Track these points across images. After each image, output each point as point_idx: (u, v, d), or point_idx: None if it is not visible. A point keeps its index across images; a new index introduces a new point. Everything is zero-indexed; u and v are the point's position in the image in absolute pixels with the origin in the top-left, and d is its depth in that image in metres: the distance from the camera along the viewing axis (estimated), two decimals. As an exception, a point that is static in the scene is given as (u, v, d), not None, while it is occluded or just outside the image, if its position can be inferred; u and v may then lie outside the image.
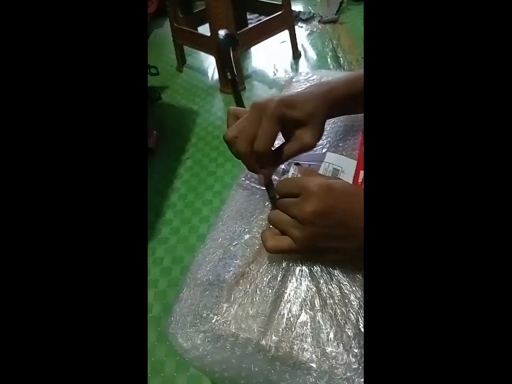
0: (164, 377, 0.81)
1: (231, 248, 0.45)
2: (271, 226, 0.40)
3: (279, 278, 0.41)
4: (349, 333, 0.35)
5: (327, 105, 0.42)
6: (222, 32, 0.45)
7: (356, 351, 0.34)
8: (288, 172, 0.47)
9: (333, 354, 0.35)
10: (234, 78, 0.45)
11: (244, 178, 0.53)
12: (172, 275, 1.02)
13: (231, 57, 0.46)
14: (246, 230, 0.46)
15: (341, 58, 1.88)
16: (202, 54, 1.99)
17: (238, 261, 0.43)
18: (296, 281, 0.40)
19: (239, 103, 0.47)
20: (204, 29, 1.83)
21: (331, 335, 0.36)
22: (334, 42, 2.04)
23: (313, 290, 0.39)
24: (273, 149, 0.41)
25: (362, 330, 0.35)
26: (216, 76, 1.87)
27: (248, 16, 2.15)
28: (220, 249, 0.46)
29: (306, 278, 0.40)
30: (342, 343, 0.35)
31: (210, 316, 0.40)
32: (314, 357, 0.35)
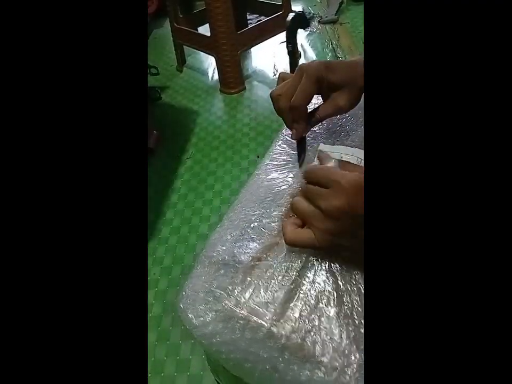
0: (164, 377, 0.81)
1: (249, 230, 0.45)
2: (290, 215, 0.39)
3: (297, 269, 0.40)
4: (363, 333, 0.34)
5: None
6: (292, 14, 0.52)
7: None
8: (313, 160, 0.48)
9: (345, 352, 0.34)
10: (293, 49, 0.54)
11: (266, 165, 0.53)
12: (172, 275, 1.02)
13: (296, 34, 0.54)
14: (265, 214, 0.46)
15: (340, 59, 1.88)
16: (202, 54, 1.99)
17: (255, 244, 0.43)
18: (314, 274, 0.39)
19: (292, 71, 0.52)
20: (204, 29, 1.83)
21: (345, 333, 0.35)
22: (334, 43, 2.04)
23: (330, 285, 0.38)
24: (310, 109, 0.46)
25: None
26: (216, 76, 1.87)
27: (248, 17, 2.15)
28: (236, 230, 0.45)
29: (325, 272, 0.39)
30: (355, 342, 0.34)
31: (223, 295, 0.39)
32: (325, 352, 0.35)
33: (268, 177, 0.51)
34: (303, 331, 0.36)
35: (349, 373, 0.33)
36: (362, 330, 0.35)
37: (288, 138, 0.55)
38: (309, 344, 0.35)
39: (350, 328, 0.35)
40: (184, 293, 0.42)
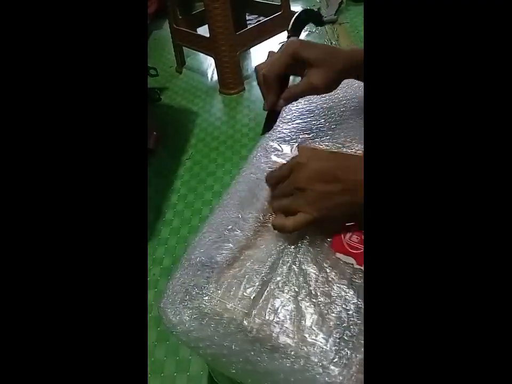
0: (164, 377, 0.81)
1: (225, 232, 0.48)
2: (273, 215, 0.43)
3: (268, 265, 0.43)
4: (330, 323, 0.37)
5: (347, 59, 0.46)
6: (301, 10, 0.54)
7: (334, 340, 0.36)
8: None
9: (311, 341, 0.36)
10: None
11: (247, 171, 0.56)
12: (171, 275, 1.02)
13: (301, 31, 0.55)
14: (242, 217, 0.49)
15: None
16: (202, 55, 1.99)
17: (231, 244, 0.46)
18: (285, 270, 0.42)
19: None
20: (203, 30, 1.83)
21: (312, 323, 0.38)
22: (333, 43, 2.04)
23: (300, 279, 0.41)
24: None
25: (344, 320, 0.37)
26: (215, 77, 1.87)
27: (248, 17, 2.14)
28: (214, 233, 0.48)
29: (296, 268, 0.42)
30: (322, 332, 0.37)
31: (199, 294, 0.42)
32: (292, 342, 0.37)
33: (247, 182, 0.54)
34: (273, 323, 0.39)
35: (315, 360, 0.35)
36: (328, 321, 0.37)
37: (269, 145, 0.58)
38: (277, 335, 0.38)
39: (317, 318, 0.38)
40: (164, 294, 0.45)
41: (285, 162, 0.48)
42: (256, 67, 0.49)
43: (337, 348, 0.35)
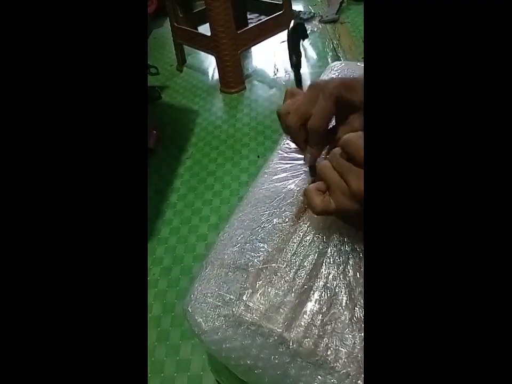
0: (164, 377, 0.81)
1: (259, 231, 0.43)
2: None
3: (308, 271, 0.38)
4: (364, 336, 0.33)
5: None
6: (292, 23, 0.50)
7: None
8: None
9: (359, 358, 0.33)
10: (299, 63, 0.50)
11: (273, 164, 0.52)
12: (171, 275, 1.02)
13: (300, 45, 0.50)
14: (276, 213, 0.44)
15: (341, 58, 1.87)
16: (202, 53, 1.99)
17: (265, 245, 0.42)
18: (327, 277, 0.38)
19: (298, 85, 0.48)
20: (204, 29, 1.82)
21: (359, 338, 0.34)
22: (335, 42, 2.03)
23: (343, 288, 0.37)
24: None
25: None
26: (216, 76, 1.87)
27: (248, 16, 2.14)
28: (247, 231, 0.44)
29: (338, 275, 0.38)
30: None
31: (233, 300, 0.39)
32: (338, 357, 0.34)
33: (276, 176, 0.50)
34: (316, 336, 0.35)
35: (363, 379, 0.32)
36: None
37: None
38: (322, 349, 0.34)
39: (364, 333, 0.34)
40: (192, 296, 0.41)
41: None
42: (279, 112, 0.42)
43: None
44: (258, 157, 1.37)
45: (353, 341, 0.34)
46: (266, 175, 0.51)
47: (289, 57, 0.48)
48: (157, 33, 2.42)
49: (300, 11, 2.39)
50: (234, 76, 1.73)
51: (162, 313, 0.92)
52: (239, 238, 0.44)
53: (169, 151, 1.46)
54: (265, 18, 1.78)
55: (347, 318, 0.35)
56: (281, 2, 1.80)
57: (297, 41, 0.50)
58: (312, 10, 2.40)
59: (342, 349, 0.34)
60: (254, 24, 1.78)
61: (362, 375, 0.32)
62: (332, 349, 0.34)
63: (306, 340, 0.35)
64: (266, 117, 1.57)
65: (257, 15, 2.11)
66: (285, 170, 0.50)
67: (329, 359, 0.34)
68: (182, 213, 1.21)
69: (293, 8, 1.87)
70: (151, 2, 2.32)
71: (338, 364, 0.33)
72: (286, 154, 0.53)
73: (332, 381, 0.33)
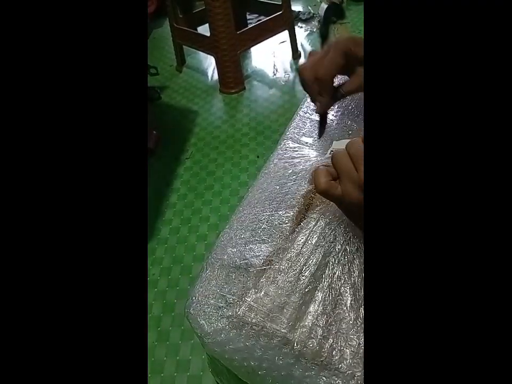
0: (164, 377, 0.81)
1: (259, 231, 0.43)
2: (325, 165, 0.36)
3: (311, 271, 0.38)
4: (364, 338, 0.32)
5: None
6: (326, 5, 0.57)
7: None
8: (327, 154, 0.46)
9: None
10: (327, 35, 0.57)
11: (273, 165, 0.52)
12: (171, 275, 1.02)
13: (330, 22, 0.58)
14: (275, 214, 0.44)
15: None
16: (202, 54, 1.99)
17: (266, 246, 0.41)
18: (331, 277, 0.37)
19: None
20: (204, 29, 1.82)
21: (364, 339, 0.32)
22: (334, 42, 2.03)
23: (348, 289, 0.37)
24: (336, 83, 0.47)
25: None
26: (215, 76, 1.87)
27: (248, 16, 2.14)
28: (247, 232, 0.44)
29: (341, 275, 0.37)
30: None
31: (235, 301, 0.38)
32: (343, 358, 0.33)
33: (276, 177, 0.50)
34: (320, 337, 0.35)
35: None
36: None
37: (295, 136, 0.55)
38: (326, 350, 0.34)
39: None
40: (193, 298, 0.40)
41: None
42: (299, 68, 0.48)
43: None
44: (258, 157, 1.37)
45: (358, 342, 0.34)
46: (265, 176, 0.51)
47: (320, 28, 0.55)
48: (156, 34, 2.42)
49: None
50: (234, 76, 1.73)
51: (162, 313, 0.92)
52: (239, 239, 0.43)
53: (169, 151, 1.46)
54: (265, 19, 1.78)
55: (352, 319, 0.35)
56: (280, 3, 1.80)
57: (328, 18, 0.56)
58: (312, 11, 2.40)
59: (347, 350, 0.34)
60: (254, 24, 1.78)
61: None
62: (336, 349, 0.34)
63: (310, 340, 0.35)
64: (266, 117, 1.57)
65: (257, 15, 2.11)
66: (285, 171, 0.50)
67: (334, 360, 0.34)
68: (182, 213, 1.21)
69: (292, 9, 1.87)
70: (151, 2, 2.32)
71: (343, 365, 0.33)
72: (285, 155, 0.53)
73: (337, 382, 0.33)
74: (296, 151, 0.52)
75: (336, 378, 0.33)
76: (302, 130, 0.56)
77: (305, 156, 0.51)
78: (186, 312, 0.40)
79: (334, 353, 0.34)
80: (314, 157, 0.50)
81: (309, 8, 2.46)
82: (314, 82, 0.46)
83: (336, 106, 0.57)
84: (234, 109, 1.68)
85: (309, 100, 0.54)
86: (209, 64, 2.01)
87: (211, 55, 1.75)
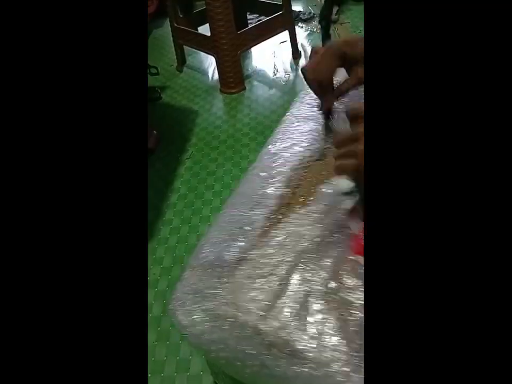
0: (164, 377, 0.81)
1: (235, 231, 0.46)
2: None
3: (285, 267, 0.40)
4: (353, 328, 0.35)
5: None
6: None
7: (357, 346, 0.34)
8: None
9: (333, 347, 0.34)
10: (328, 26, 0.67)
11: (255, 170, 0.56)
12: (171, 275, 1.02)
13: (332, 12, 0.69)
14: (252, 215, 0.47)
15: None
16: (202, 54, 1.99)
17: (241, 244, 0.44)
18: (303, 271, 0.40)
19: (324, 42, 0.61)
20: (204, 29, 1.82)
21: (334, 328, 0.35)
22: (334, 42, 2.03)
23: (320, 282, 0.38)
24: (335, 82, 0.53)
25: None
26: (216, 76, 1.87)
27: (248, 16, 2.14)
28: (223, 233, 0.47)
29: (314, 269, 0.39)
30: (344, 338, 0.34)
31: (211, 296, 0.40)
32: (312, 347, 0.35)
33: (255, 181, 0.53)
34: (291, 327, 0.36)
35: (336, 368, 0.33)
36: (350, 326, 0.35)
37: (277, 142, 0.59)
38: (297, 340, 0.35)
39: (339, 324, 0.36)
40: (174, 296, 0.43)
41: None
42: (303, 68, 0.52)
43: (359, 355, 0.33)
44: (258, 157, 1.37)
45: (327, 331, 0.35)
46: (245, 179, 0.55)
47: (319, 20, 0.59)
48: (157, 34, 2.42)
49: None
50: (234, 76, 1.73)
51: (162, 313, 0.92)
52: (216, 240, 0.46)
53: (169, 151, 1.46)
54: (265, 19, 1.78)
55: (322, 310, 0.37)
56: (281, 3, 1.80)
57: (330, 8, 0.61)
58: (312, 11, 2.40)
59: (317, 339, 0.35)
60: (254, 24, 1.78)
61: (335, 363, 0.33)
62: (306, 339, 0.35)
63: (281, 331, 0.36)
64: (266, 117, 1.57)
65: (257, 15, 2.11)
66: (263, 173, 0.53)
67: (304, 349, 0.35)
68: (182, 213, 1.21)
69: (292, 9, 1.87)
70: (151, 2, 2.32)
71: (312, 354, 0.35)
72: (265, 158, 0.57)
73: (307, 370, 0.34)
74: (277, 155, 0.56)
75: (305, 367, 0.34)
76: (285, 135, 0.60)
77: (284, 160, 0.55)
78: (168, 310, 0.42)
79: (303, 343, 0.35)
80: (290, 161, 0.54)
81: (309, 8, 2.46)
82: (316, 84, 0.52)
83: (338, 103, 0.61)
84: (235, 109, 1.67)
85: (299, 101, 0.62)
86: (209, 64, 2.01)
87: (211, 55, 1.75)
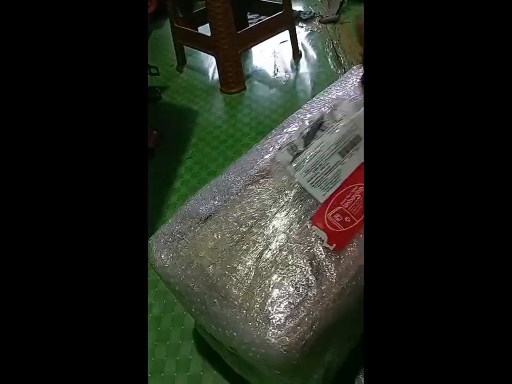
0: (164, 377, 0.80)
1: (215, 190, 0.57)
2: None
3: (244, 224, 0.48)
4: (280, 290, 0.41)
5: None
6: None
7: (278, 304, 0.40)
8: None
9: (258, 299, 0.41)
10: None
11: (259, 147, 0.65)
12: (172, 275, 1.02)
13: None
14: (233, 181, 0.57)
15: (341, 58, 1.87)
16: (202, 54, 1.99)
17: (215, 202, 0.54)
18: (258, 232, 0.47)
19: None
20: (204, 29, 1.82)
21: (264, 286, 0.42)
22: (335, 42, 2.03)
23: (269, 243, 0.45)
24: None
25: (291, 291, 0.41)
26: (216, 76, 1.87)
27: (249, 16, 2.14)
28: (207, 192, 0.59)
29: (268, 231, 0.47)
30: (270, 294, 0.41)
31: (179, 239, 0.51)
32: (241, 295, 0.43)
33: (251, 154, 0.61)
34: (230, 276, 0.44)
35: (252, 314, 0.41)
36: (279, 284, 0.42)
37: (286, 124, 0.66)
38: (231, 286, 0.43)
39: (267, 281, 0.42)
40: (155, 234, 0.54)
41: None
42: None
43: (279, 310, 0.40)
44: (258, 157, 1.37)
45: (256, 284, 0.42)
46: (248, 153, 0.64)
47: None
48: (157, 34, 2.42)
49: None
50: (235, 76, 1.73)
51: (162, 313, 0.92)
52: (200, 197, 0.57)
53: (170, 151, 1.46)
54: (265, 19, 1.77)
55: (260, 265, 0.44)
56: (281, 3, 1.80)
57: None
58: (312, 10, 2.40)
59: (247, 290, 0.43)
60: (254, 24, 1.78)
61: (253, 309, 0.41)
62: (237, 287, 0.43)
63: (224, 276, 0.44)
64: (267, 117, 1.57)
65: (257, 15, 2.11)
66: (261, 150, 0.62)
67: (233, 293, 0.43)
68: (182, 213, 1.20)
69: (293, 9, 1.87)
70: (151, 2, 2.32)
71: (237, 298, 0.43)
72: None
73: (232, 310, 0.42)
74: (281, 135, 0.63)
75: (231, 308, 0.42)
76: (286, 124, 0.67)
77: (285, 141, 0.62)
78: (148, 245, 0.52)
79: (233, 288, 0.43)
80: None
81: (310, 7, 2.46)
82: None
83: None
84: (235, 108, 1.67)
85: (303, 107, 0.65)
86: (209, 64, 2.01)
87: (212, 55, 1.75)
